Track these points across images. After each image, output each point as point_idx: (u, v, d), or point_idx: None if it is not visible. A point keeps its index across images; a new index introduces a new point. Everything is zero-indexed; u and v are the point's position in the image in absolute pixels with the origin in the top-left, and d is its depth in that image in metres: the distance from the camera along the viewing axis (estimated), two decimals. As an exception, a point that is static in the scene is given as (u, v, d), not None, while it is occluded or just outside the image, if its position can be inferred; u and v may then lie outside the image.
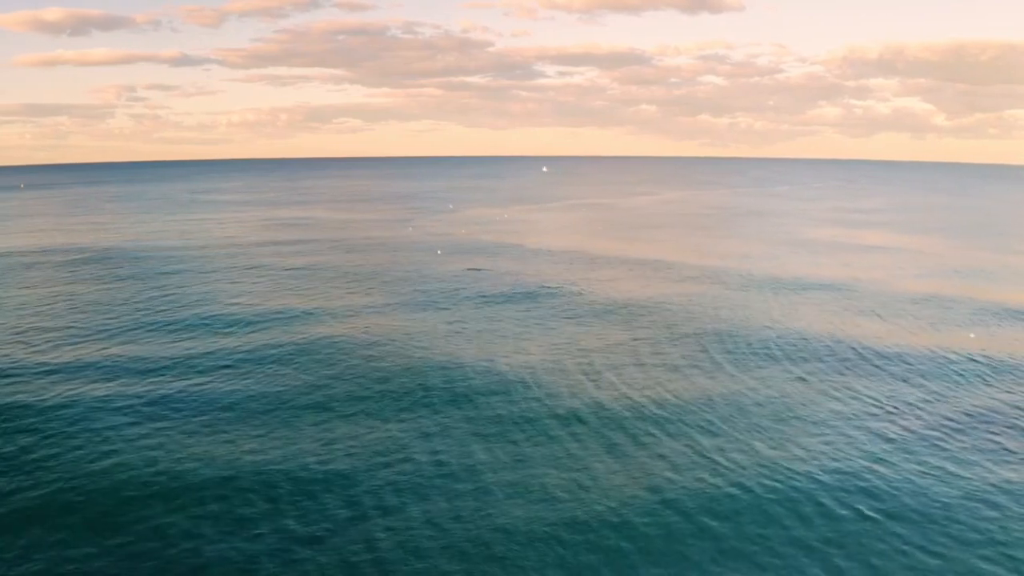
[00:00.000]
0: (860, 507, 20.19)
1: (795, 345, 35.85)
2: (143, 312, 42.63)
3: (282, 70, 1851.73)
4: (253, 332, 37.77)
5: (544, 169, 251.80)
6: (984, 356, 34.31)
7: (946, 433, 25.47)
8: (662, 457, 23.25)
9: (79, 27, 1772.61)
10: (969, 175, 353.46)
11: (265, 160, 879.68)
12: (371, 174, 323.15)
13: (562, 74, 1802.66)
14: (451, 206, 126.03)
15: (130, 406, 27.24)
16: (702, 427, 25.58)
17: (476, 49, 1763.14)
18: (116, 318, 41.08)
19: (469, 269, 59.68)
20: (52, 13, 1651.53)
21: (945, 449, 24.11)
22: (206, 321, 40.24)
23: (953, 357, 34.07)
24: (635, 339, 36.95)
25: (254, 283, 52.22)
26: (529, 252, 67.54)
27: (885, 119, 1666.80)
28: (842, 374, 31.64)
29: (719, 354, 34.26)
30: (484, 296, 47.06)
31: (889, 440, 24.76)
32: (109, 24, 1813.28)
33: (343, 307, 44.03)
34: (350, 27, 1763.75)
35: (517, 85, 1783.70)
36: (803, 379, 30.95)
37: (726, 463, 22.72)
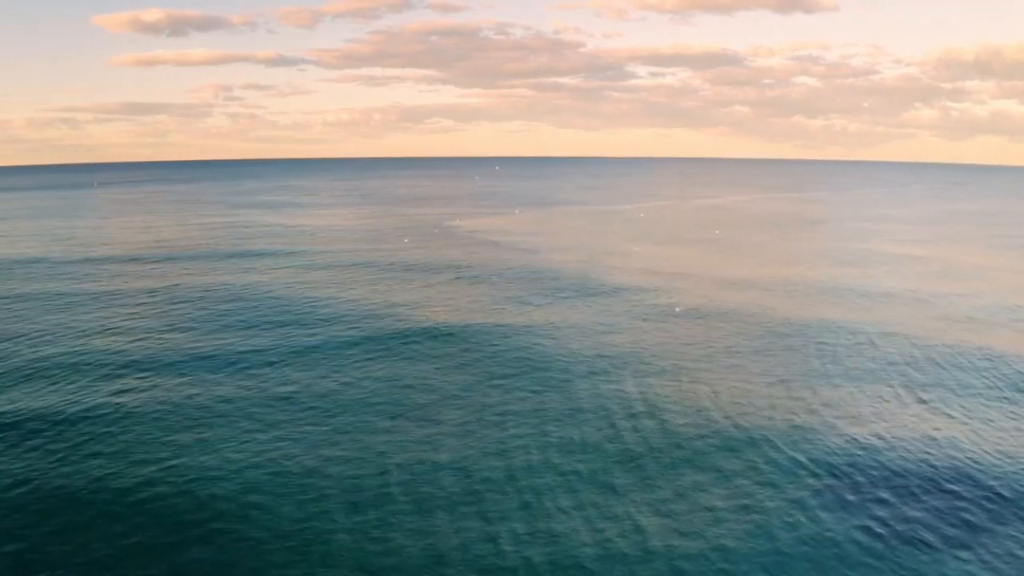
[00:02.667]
0: None
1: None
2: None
3: (376, 70, 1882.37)
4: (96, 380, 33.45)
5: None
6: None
7: None
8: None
9: (177, 28, 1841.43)
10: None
11: (356, 159, 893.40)
12: (446, 174, 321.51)
13: (654, 75, 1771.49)
14: (497, 208, 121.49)
15: None
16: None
17: (568, 50, 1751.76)
18: None
19: (456, 278, 55.81)
20: (151, 14, 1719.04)
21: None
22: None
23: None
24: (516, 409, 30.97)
25: (177, 312, 48.25)
26: (526, 266, 61.82)
27: (982, 122, 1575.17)
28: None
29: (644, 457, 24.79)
30: (416, 336, 41.81)
31: None
32: (206, 25, 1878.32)
33: (247, 351, 39.01)
34: (442, 28, 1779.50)
35: (609, 86, 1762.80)
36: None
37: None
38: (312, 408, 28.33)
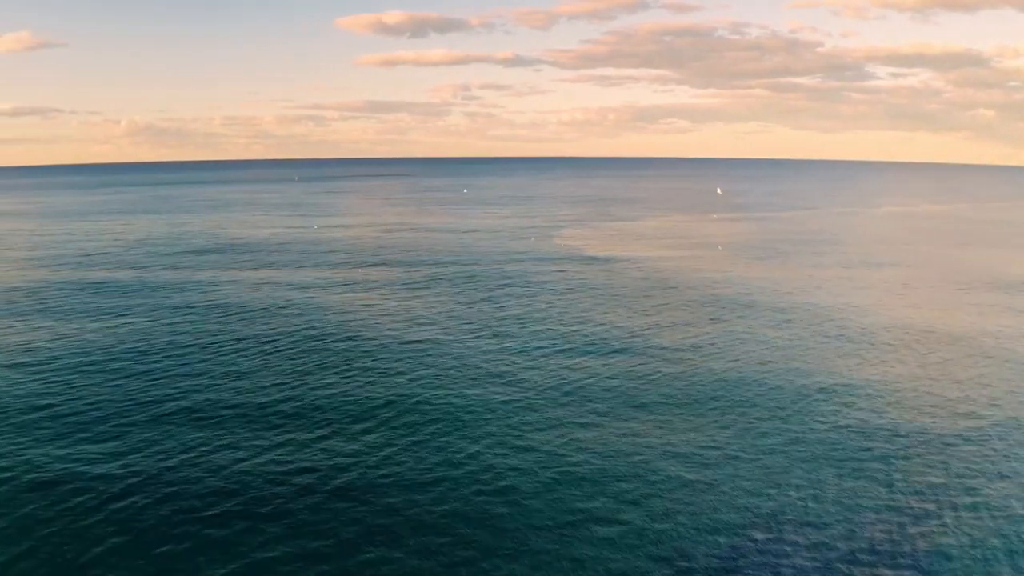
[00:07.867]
0: None
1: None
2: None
3: (610, 71, 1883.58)
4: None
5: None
6: None
7: None
8: None
9: (418, 29, 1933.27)
10: None
11: (592, 159, 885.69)
12: (645, 175, 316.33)
13: (894, 75, 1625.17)
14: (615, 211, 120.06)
15: None
16: None
17: (804, 50, 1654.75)
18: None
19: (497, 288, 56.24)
20: (393, 16, 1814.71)
21: None
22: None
23: None
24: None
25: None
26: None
27: None
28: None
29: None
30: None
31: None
32: (445, 27, 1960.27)
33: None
34: (677, 28, 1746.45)
35: (847, 87, 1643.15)
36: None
37: None
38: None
